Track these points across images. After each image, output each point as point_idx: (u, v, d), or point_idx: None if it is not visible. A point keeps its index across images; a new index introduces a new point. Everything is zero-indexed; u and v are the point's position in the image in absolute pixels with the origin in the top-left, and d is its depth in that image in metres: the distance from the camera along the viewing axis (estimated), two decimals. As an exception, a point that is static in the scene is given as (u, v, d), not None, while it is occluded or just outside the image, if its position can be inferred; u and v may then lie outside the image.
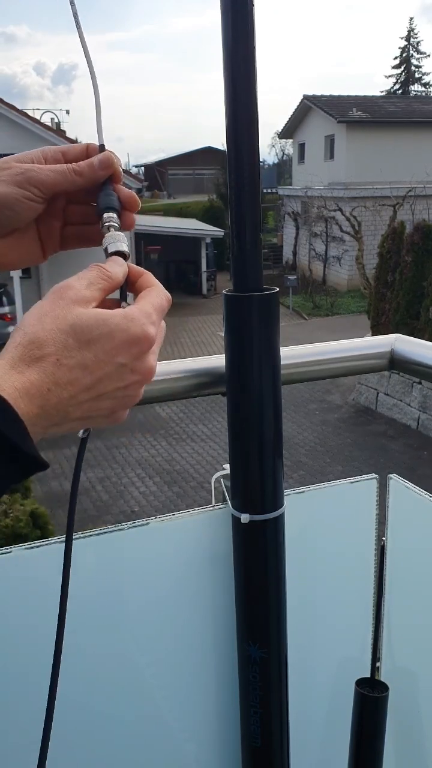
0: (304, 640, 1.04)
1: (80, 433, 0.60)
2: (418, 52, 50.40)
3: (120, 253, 0.58)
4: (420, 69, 50.64)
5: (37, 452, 0.48)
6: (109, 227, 0.59)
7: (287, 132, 29.70)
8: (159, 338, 0.56)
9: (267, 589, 0.91)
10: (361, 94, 28.01)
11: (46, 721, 0.69)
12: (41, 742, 0.69)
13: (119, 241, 0.58)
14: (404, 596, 1.10)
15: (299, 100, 26.94)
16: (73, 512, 0.64)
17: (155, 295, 0.57)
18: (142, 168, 50.87)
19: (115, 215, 0.59)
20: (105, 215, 0.59)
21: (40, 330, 0.49)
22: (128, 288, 0.59)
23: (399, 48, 51.03)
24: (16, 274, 15.69)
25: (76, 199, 0.65)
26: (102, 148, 0.63)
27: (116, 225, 0.59)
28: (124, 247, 0.58)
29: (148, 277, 0.59)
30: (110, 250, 0.58)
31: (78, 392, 0.51)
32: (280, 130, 31.09)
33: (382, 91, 48.26)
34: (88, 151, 0.63)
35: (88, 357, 0.50)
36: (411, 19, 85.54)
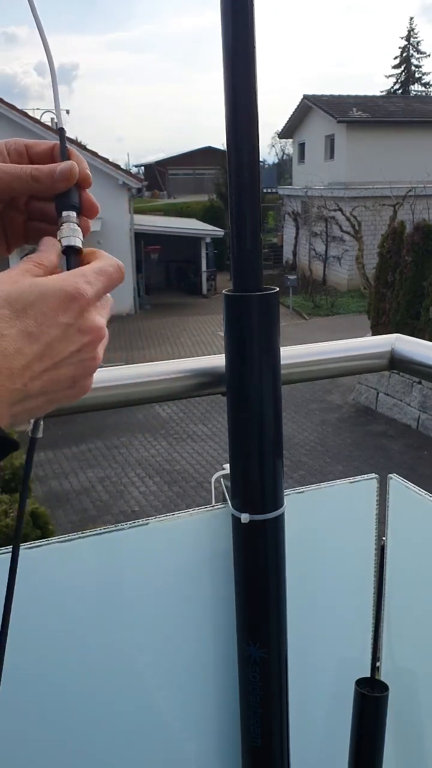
0: (304, 640, 1.03)
1: (30, 430, 0.58)
2: (419, 51, 50.41)
3: (72, 249, 0.57)
4: (420, 69, 50.66)
5: (4, 431, 0.47)
6: (65, 223, 0.58)
7: (287, 132, 29.70)
8: (102, 300, 0.55)
9: (267, 589, 0.91)
10: (361, 94, 28.03)
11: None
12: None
13: (73, 235, 0.58)
14: (404, 596, 1.10)
15: (299, 100, 26.95)
16: (21, 517, 0.63)
17: (98, 260, 0.57)
18: (142, 168, 50.89)
19: (74, 213, 0.59)
20: (64, 213, 0.58)
21: None
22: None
23: (399, 48, 51.05)
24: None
25: (38, 197, 0.63)
26: (62, 131, 0.61)
27: (74, 222, 0.58)
28: (78, 242, 0.58)
29: (99, 253, 0.58)
30: (63, 244, 0.58)
31: (30, 361, 0.50)
32: (280, 130, 31.09)
33: (382, 91, 48.30)
34: (53, 153, 0.61)
35: (28, 323, 0.49)
36: (411, 18, 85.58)
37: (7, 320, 0.49)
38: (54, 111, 0.61)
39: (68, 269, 0.56)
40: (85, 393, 0.56)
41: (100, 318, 0.54)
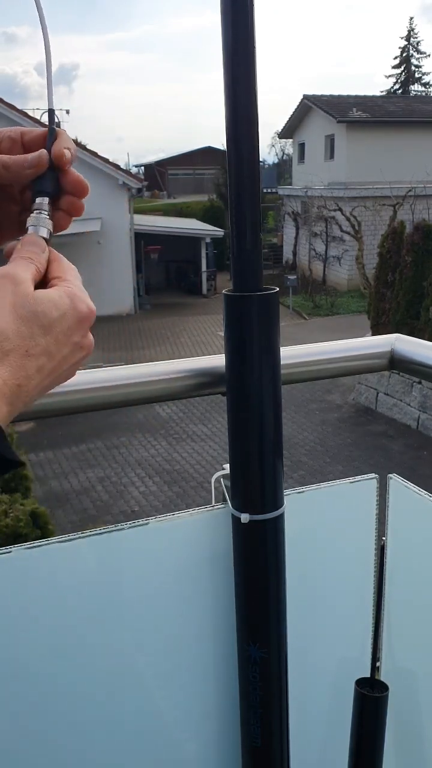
0: (304, 640, 1.03)
1: None
2: (418, 51, 50.38)
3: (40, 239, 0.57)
4: (420, 69, 50.63)
5: (14, 453, 0.47)
6: (37, 211, 0.58)
7: (287, 132, 29.69)
8: None
9: (267, 589, 0.91)
10: (361, 94, 28.03)
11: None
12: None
13: (41, 225, 0.58)
14: (404, 596, 1.10)
15: (299, 100, 26.95)
16: None
17: (74, 270, 0.58)
18: (142, 168, 50.87)
19: (46, 200, 0.58)
20: (37, 199, 0.58)
21: (2, 322, 0.49)
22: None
23: (399, 48, 51.05)
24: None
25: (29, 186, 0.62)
26: (51, 113, 0.61)
27: (45, 211, 0.58)
28: (45, 233, 0.58)
29: (53, 252, 0.59)
30: (29, 232, 0.58)
31: (43, 378, 0.51)
32: (280, 130, 31.08)
33: (382, 91, 48.30)
34: (45, 137, 0.60)
35: (50, 342, 0.51)
36: (411, 18, 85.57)
37: (36, 338, 0.50)
38: (47, 94, 0.61)
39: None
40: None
41: (90, 335, 0.57)
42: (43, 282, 0.56)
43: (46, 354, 0.51)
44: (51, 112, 0.61)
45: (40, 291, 0.52)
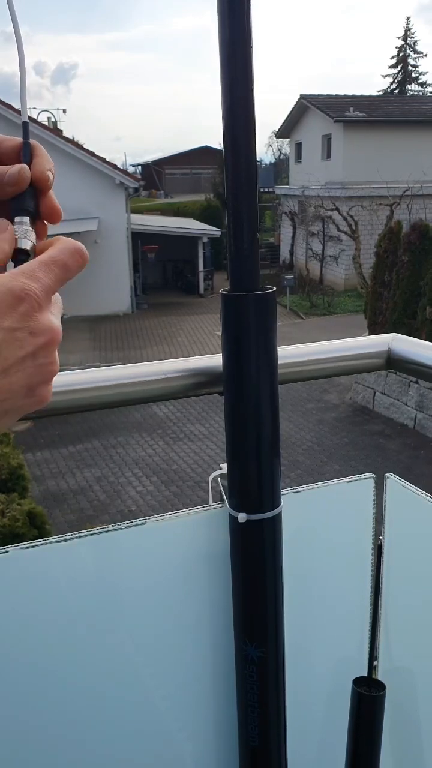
0: (301, 639, 1.04)
1: None
2: (415, 51, 50.44)
3: (22, 251, 0.54)
4: (417, 69, 50.69)
5: None
6: (17, 223, 0.55)
7: (284, 131, 29.71)
8: (54, 297, 0.51)
9: (264, 589, 0.91)
10: (359, 93, 28.05)
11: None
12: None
13: (24, 237, 0.54)
14: (401, 595, 1.10)
15: (296, 100, 26.96)
16: None
17: (49, 250, 0.52)
18: (140, 167, 50.86)
19: (27, 219, 0.54)
20: (17, 218, 0.54)
21: None
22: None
23: (396, 48, 51.12)
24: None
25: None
26: (25, 125, 0.56)
27: (26, 223, 0.55)
28: (27, 243, 0.54)
29: (55, 240, 0.54)
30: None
31: None
32: (277, 130, 31.08)
33: (379, 91, 48.32)
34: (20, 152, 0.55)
35: None
36: (408, 18, 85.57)
37: None
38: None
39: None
40: (44, 402, 0.52)
41: (53, 317, 0.50)
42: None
43: None
44: (25, 125, 0.56)
45: None
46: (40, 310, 0.48)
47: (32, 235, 0.54)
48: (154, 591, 0.96)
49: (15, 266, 0.51)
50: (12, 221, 0.54)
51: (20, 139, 0.56)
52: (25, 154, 0.55)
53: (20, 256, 0.53)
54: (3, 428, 0.50)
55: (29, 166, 0.54)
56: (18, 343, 0.47)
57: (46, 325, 0.49)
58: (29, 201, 0.55)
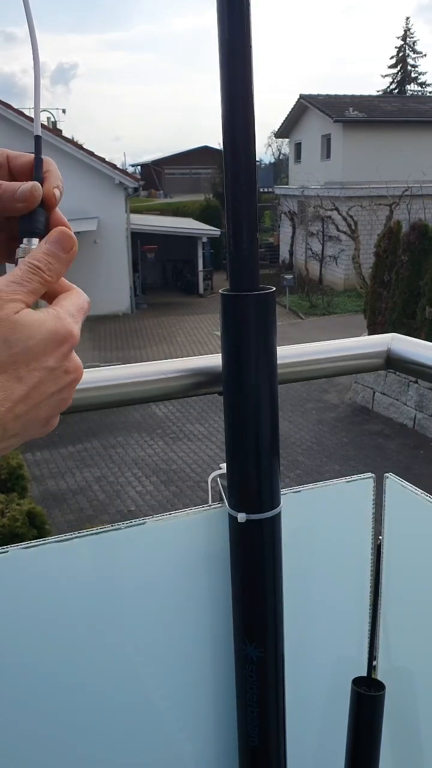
0: (301, 639, 1.04)
1: None
2: (415, 51, 50.45)
3: None
4: (416, 69, 50.70)
5: None
6: (26, 242, 0.54)
7: (284, 131, 29.70)
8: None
9: (264, 589, 0.91)
10: (359, 94, 28.05)
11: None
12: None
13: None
14: (400, 595, 1.10)
15: (296, 100, 26.96)
16: None
17: (76, 296, 0.55)
18: (139, 167, 50.85)
19: (35, 240, 0.54)
20: (24, 240, 0.54)
21: None
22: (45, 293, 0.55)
23: (395, 48, 51.12)
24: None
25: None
26: (37, 140, 0.55)
27: (34, 245, 0.54)
28: None
29: (70, 285, 0.57)
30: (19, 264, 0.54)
31: (14, 405, 0.48)
32: (276, 130, 31.08)
33: (378, 91, 48.32)
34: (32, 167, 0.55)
35: (20, 367, 0.48)
36: (407, 18, 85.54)
37: (1, 365, 0.47)
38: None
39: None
40: (50, 430, 0.55)
41: (77, 357, 0.53)
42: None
43: (16, 379, 0.48)
44: (38, 139, 0.55)
45: (24, 313, 0.49)
46: (69, 352, 0.52)
47: None
48: (154, 591, 0.96)
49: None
50: (20, 240, 0.54)
51: (32, 156, 0.55)
52: (37, 171, 0.55)
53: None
54: (5, 452, 0.52)
55: (41, 183, 0.54)
56: (54, 381, 0.51)
57: (78, 364, 0.53)
58: (39, 221, 0.54)
